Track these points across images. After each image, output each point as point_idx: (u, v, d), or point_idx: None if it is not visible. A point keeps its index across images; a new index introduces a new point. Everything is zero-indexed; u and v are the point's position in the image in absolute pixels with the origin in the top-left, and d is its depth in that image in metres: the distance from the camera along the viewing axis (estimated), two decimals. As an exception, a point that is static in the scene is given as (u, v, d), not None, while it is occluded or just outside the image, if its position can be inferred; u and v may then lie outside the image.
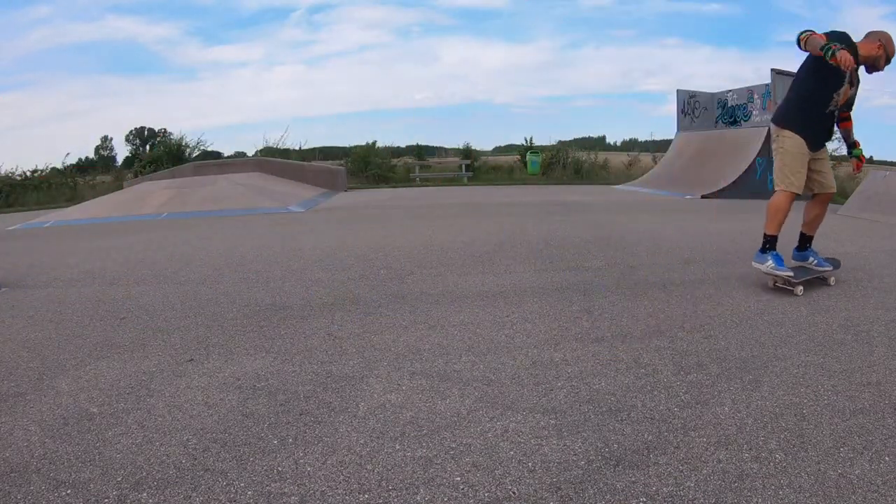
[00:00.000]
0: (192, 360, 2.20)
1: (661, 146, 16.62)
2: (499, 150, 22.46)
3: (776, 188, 3.16)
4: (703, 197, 9.08)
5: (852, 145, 3.35)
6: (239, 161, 15.07)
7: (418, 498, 1.32)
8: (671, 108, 11.65)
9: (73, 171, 16.33)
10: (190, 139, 17.19)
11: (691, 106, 11.42)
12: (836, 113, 3.16)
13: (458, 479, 1.39)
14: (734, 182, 9.39)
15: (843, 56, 2.72)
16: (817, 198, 3.30)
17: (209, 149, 18.19)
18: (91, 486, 1.38)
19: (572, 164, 15.50)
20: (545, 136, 27.31)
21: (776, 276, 3.15)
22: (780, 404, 1.75)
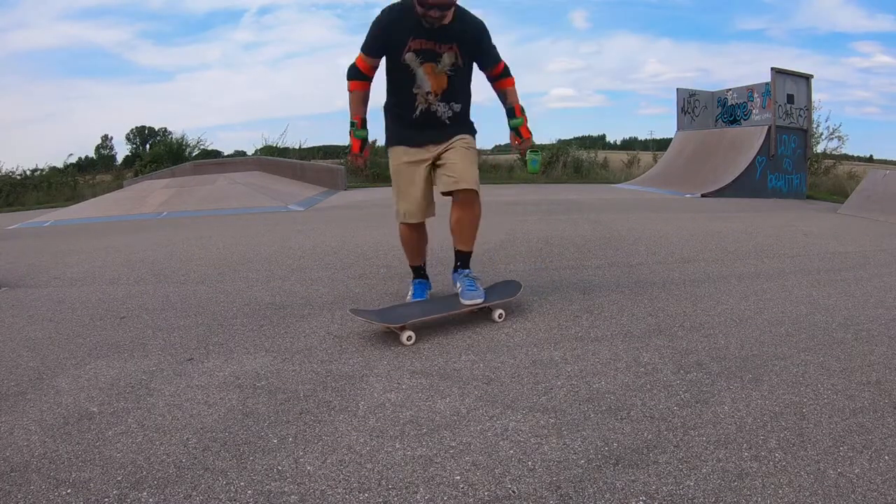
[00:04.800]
0: (191, 359, 2.20)
1: (660, 145, 16.64)
2: (499, 149, 22.43)
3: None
4: (703, 196, 9.09)
5: (510, 112, 2.58)
6: (239, 160, 15.08)
7: (418, 497, 1.32)
8: (671, 107, 11.65)
9: (72, 171, 16.35)
10: (190, 138, 17.21)
11: (691, 104, 11.41)
12: (439, 102, 2.44)
13: (458, 477, 1.39)
14: (734, 181, 9.40)
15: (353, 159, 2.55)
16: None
17: (209, 148, 18.22)
18: (91, 485, 1.38)
19: (572, 162, 15.49)
20: (545, 135, 27.28)
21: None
22: (779, 403, 1.75)
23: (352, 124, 2.51)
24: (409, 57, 2.38)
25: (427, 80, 2.41)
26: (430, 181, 2.57)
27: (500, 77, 2.56)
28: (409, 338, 2.29)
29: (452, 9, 2.31)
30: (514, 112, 2.57)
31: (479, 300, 2.49)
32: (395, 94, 2.50)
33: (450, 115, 2.49)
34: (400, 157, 2.56)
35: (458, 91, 2.50)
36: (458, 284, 2.59)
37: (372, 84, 2.51)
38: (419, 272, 2.79)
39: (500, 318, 2.54)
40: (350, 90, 2.49)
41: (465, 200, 2.49)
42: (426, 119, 2.48)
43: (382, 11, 2.39)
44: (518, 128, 2.57)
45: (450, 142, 2.52)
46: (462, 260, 2.64)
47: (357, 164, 2.62)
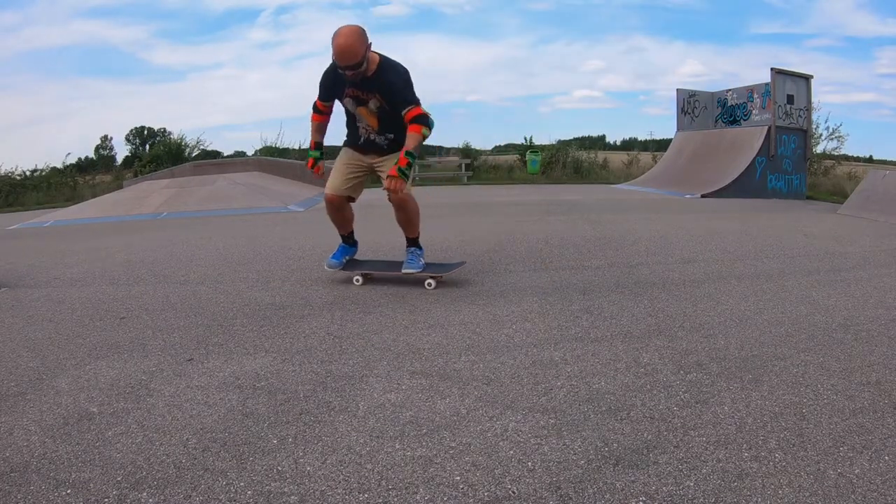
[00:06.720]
0: (191, 359, 2.20)
1: (660, 145, 16.63)
2: (499, 150, 22.44)
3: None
4: (703, 196, 9.08)
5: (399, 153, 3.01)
6: (238, 160, 15.09)
7: (418, 497, 1.32)
8: (671, 107, 11.65)
9: (72, 171, 16.35)
10: (190, 139, 17.21)
11: (691, 105, 11.41)
12: (378, 132, 3.07)
13: (458, 478, 1.39)
14: (734, 181, 9.40)
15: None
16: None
17: (209, 148, 18.23)
18: (91, 485, 1.38)
19: (572, 163, 15.49)
20: (545, 136, 27.28)
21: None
22: (779, 403, 1.75)
23: (309, 146, 3.33)
24: (347, 101, 3.06)
25: (364, 118, 3.07)
26: (358, 177, 3.24)
27: (410, 122, 2.96)
28: (356, 279, 3.29)
29: (362, 67, 2.80)
30: (399, 154, 3.01)
31: (413, 270, 3.21)
32: (348, 125, 3.20)
33: (386, 143, 3.12)
34: (347, 153, 3.25)
35: (391, 125, 3.04)
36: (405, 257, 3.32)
37: (330, 117, 3.26)
38: (345, 239, 3.44)
39: (428, 286, 3.18)
40: (311, 121, 3.25)
41: (398, 205, 3.13)
42: (368, 144, 3.16)
43: (329, 66, 2.97)
44: (394, 166, 3.02)
45: (387, 157, 3.13)
46: (408, 241, 3.33)
47: (314, 176, 3.43)
